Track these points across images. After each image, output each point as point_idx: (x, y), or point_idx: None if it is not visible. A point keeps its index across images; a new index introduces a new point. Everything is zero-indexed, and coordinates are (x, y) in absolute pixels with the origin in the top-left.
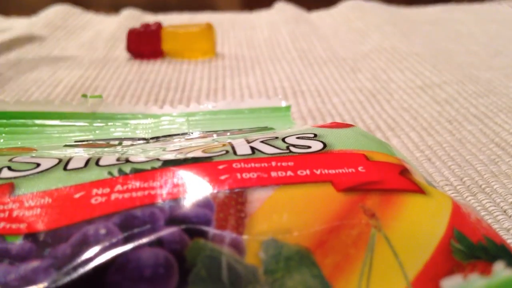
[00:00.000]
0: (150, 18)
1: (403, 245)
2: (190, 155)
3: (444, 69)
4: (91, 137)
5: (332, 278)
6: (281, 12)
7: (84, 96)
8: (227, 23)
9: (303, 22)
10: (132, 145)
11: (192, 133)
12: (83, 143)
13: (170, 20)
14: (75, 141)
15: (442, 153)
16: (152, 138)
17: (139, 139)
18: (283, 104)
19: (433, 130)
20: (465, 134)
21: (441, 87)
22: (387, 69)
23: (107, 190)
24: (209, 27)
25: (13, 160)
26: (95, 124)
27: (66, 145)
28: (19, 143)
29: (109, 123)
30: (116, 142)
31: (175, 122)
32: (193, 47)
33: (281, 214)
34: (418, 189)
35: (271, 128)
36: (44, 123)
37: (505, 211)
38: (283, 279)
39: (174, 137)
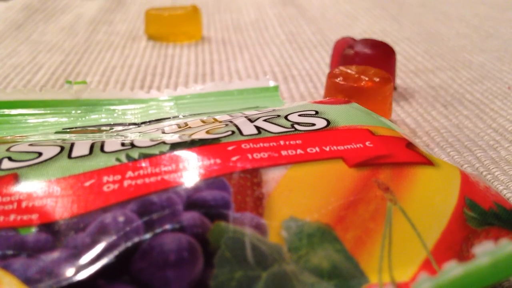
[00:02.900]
0: (131, 0)
1: (419, 216)
2: (196, 137)
3: (436, 54)
4: (78, 124)
5: (355, 252)
6: None
7: (69, 82)
8: (212, 6)
9: (290, 4)
10: (124, 130)
11: (183, 116)
12: (74, 129)
13: (152, 2)
14: (63, 129)
15: (440, 139)
16: (142, 123)
17: (130, 124)
18: (271, 84)
19: (429, 116)
20: (462, 119)
21: (434, 72)
22: None
23: (118, 177)
24: (195, 10)
25: (11, 149)
26: (80, 111)
27: (57, 132)
28: (4, 133)
29: (96, 109)
30: (107, 128)
31: (164, 106)
32: (179, 30)
33: (298, 193)
34: (427, 161)
35: (264, 107)
36: (27, 112)
37: (508, 199)
38: (307, 255)
39: (165, 120)
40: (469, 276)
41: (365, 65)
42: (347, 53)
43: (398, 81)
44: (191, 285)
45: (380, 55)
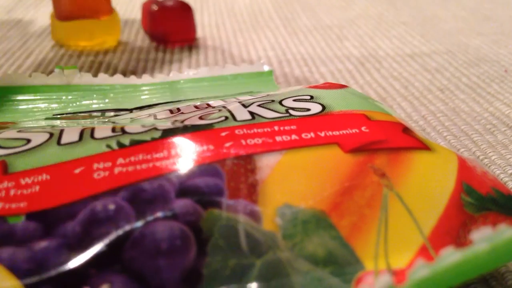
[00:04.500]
0: None
1: (415, 202)
2: (188, 123)
3: (432, 38)
4: (69, 109)
5: (351, 239)
6: None
7: (59, 67)
8: None
9: None
10: (116, 115)
11: (175, 101)
12: (64, 115)
13: None
14: (54, 115)
15: (436, 123)
16: (135, 108)
17: (122, 109)
18: (266, 68)
19: (426, 99)
20: (458, 103)
21: (431, 56)
22: (374, 36)
23: (108, 164)
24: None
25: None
26: (71, 97)
27: (47, 118)
28: None
29: (86, 95)
30: (99, 114)
31: (157, 91)
32: (92, 35)
33: (292, 179)
34: (423, 146)
35: (258, 92)
36: (16, 98)
37: (505, 183)
38: (302, 242)
39: (158, 106)
40: (467, 262)
41: (168, 20)
42: (152, 9)
43: (394, 65)
44: (184, 274)
45: (179, 10)
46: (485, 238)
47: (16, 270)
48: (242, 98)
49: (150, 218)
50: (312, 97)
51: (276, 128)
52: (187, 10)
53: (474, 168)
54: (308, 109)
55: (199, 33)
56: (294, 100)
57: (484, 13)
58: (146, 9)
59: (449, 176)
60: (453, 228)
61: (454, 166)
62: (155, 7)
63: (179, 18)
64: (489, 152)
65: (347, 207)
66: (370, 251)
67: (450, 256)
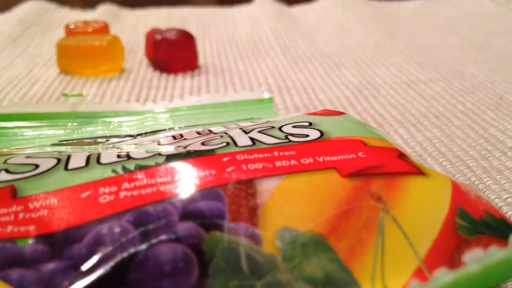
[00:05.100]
0: (128, 13)
1: (411, 226)
2: (191, 148)
3: (428, 66)
4: (74, 136)
5: (349, 261)
6: (262, 7)
7: (65, 95)
8: (207, 19)
9: (284, 17)
10: (120, 142)
11: (178, 128)
12: (70, 141)
13: (147, 16)
14: (60, 141)
15: (432, 149)
16: (138, 135)
17: (125, 136)
18: (266, 95)
19: (422, 126)
20: (454, 130)
21: (427, 84)
22: (372, 64)
23: (114, 188)
24: (115, 40)
25: (8, 162)
26: (76, 124)
27: (53, 144)
28: (1, 145)
29: (92, 122)
30: (103, 140)
31: (159, 118)
32: (96, 63)
33: (291, 203)
34: (418, 171)
35: (259, 119)
36: (24, 124)
37: (500, 208)
38: (301, 265)
39: (161, 132)
40: (459, 283)
41: (171, 49)
42: (156, 38)
43: (392, 92)
44: None
45: (181, 39)
46: (477, 259)
47: None
48: (243, 124)
49: (154, 240)
50: (310, 124)
51: (276, 153)
52: (189, 39)
53: (467, 192)
54: (307, 135)
55: (201, 60)
56: (293, 127)
57: (479, 42)
58: (149, 38)
59: (443, 200)
60: (447, 250)
61: (448, 191)
62: (158, 36)
63: (182, 47)
64: (484, 178)
65: (345, 230)
66: (367, 273)
67: (443, 277)
